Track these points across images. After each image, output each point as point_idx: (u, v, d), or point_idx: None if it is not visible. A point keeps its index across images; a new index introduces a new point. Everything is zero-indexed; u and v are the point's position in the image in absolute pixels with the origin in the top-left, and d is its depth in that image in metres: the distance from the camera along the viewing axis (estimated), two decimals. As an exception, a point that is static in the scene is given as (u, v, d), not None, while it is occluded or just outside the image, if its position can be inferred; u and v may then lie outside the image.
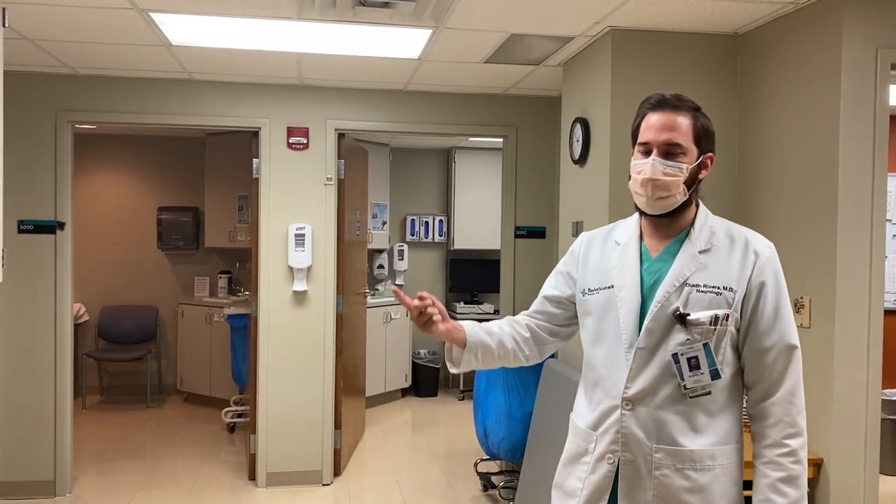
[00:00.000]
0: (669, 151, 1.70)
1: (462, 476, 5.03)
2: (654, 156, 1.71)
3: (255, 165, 4.75)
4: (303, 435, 4.82)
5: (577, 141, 3.81)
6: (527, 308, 2.04)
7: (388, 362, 6.95)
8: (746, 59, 3.46)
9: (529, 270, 5.00)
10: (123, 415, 6.56)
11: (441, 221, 7.74)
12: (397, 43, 3.77)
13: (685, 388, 1.69)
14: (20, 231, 4.48)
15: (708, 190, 3.23)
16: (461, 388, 7.37)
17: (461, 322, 1.90)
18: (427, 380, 7.33)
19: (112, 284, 7.24)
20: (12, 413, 4.50)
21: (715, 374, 1.69)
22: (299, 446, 4.82)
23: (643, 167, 1.72)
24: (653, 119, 1.73)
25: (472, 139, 6.80)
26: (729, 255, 1.74)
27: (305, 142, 4.75)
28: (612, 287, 1.79)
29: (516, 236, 5.07)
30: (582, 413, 1.86)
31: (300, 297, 4.77)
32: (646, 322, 1.72)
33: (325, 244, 4.80)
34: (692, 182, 1.73)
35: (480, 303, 7.52)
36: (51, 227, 4.52)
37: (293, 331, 4.79)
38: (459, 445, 5.76)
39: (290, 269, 4.74)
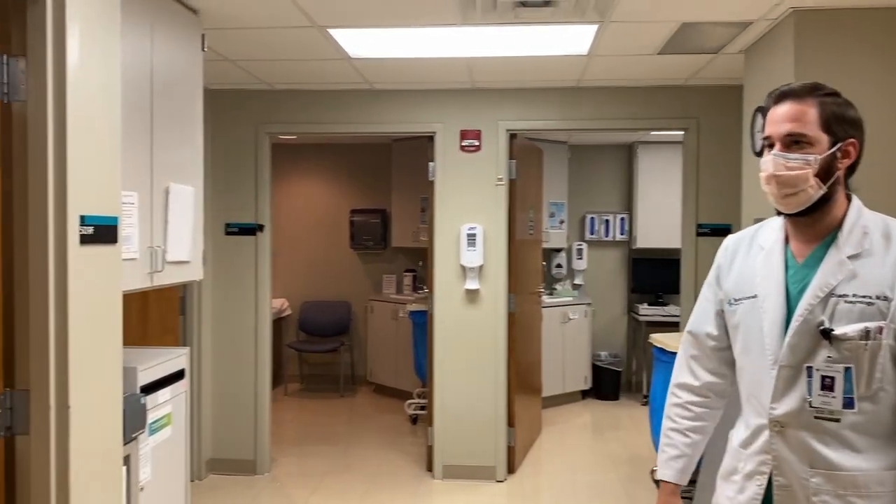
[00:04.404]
0: (793, 143, 1.57)
1: (640, 482, 4.88)
2: (775, 150, 1.59)
3: (430, 168, 4.93)
4: (477, 430, 4.92)
5: (759, 132, 3.54)
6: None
7: (566, 363, 6.88)
8: (961, 32, 3.03)
9: (712, 271, 4.72)
10: (319, 402, 7.08)
11: (622, 219, 7.53)
12: (564, 40, 3.74)
13: (810, 406, 1.54)
14: (227, 233, 4.99)
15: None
16: (644, 392, 7.12)
17: (666, 475, 1.84)
18: (608, 382, 7.17)
19: (311, 281, 7.84)
20: (221, 397, 5.02)
21: (849, 404, 1.52)
22: (474, 441, 4.92)
23: (765, 163, 1.61)
24: (775, 112, 1.61)
25: (654, 133, 6.55)
26: (884, 259, 1.55)
27: (478, 144, 4.85)
28: (756, 297, 1.66)
29: (698, 234, 4.82)
30: (736, 428, 1.77)
31: (472, 295, 4.88)
32: (787, 337, 1.58)
33: (497, 244, 4.86)
34: (827, 174, 1.57)
35: (665, 304, 7.22)
36: (252, 230, 4.99)
37: (466, 328, 4.90)
38: (641, 451, 5.58)
39: (463, 268, 4.87)
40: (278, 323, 7.37)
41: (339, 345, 7.42)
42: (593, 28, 3.51)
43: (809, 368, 1.55)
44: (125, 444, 2.47)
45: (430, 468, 5.03)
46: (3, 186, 2.04)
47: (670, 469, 1.83)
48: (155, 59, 2.82)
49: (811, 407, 1.55)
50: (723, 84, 4.69)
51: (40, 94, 2.01)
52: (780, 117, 1.60)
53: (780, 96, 1.62)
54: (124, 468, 2.53)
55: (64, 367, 2.05)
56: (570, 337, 6.91)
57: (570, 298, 7.04)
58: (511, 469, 5.02)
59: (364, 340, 7.66)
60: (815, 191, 1.57)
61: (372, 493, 4.66)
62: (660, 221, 7.21)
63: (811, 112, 1.58)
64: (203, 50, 3.27)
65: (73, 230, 2.09)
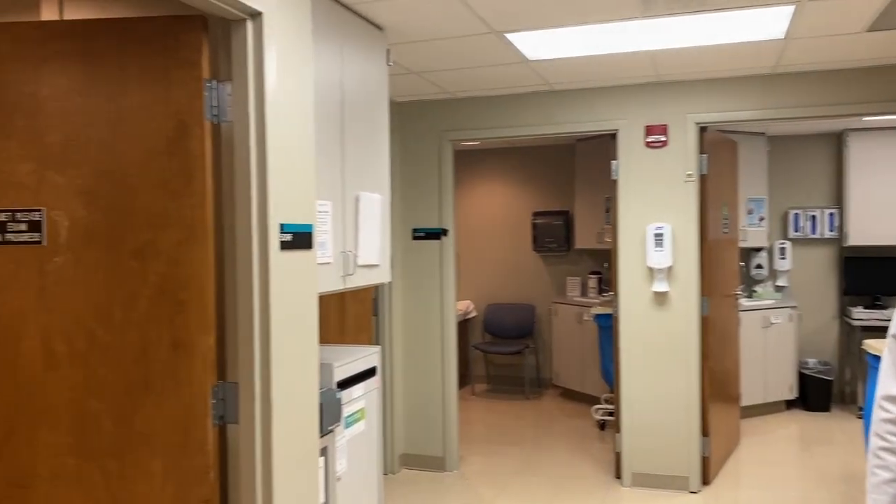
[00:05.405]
0: None
1: (856, 503, 4.42)
2: None
3: (613, 167, 4.81)
4: (667, 439, 4.72)
5: None
6: None
7: (768, 371, 6.41)
8: None
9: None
10: (505, 403, 7.15)
11: (831, 215, 6.88)
12: (756, 24, 3.49)
13: None
14: (414, 238, 5.20)
15: None
16: (859, 404, 6.46)
17: (881, 501, 1.60)
18: (817, 392, 6.58)
19: (495, 284, 7.96)
20: (411, 395, 5.23)
21: None
22: (664, 450, 4.73)
23: None
24: None
25: (866, 118, 5.93)
26: None
27: (664, 139, 4.66)
28: None
29: (922, 229, 4.30)
30: None
31: (660, 297, 4.69)
32: None
33: (686, 244, 4.63)
34: None
35: (884, 307, 6.50)
36: (437, 234, 5.16)
37: (654, 332, 4.72)
38: (856, 468, 5.07)
39: (650, 269, 4.69)
40: (465, 324, 7.55)
41: (524, 347, 7.45)
42: (789, 9, 3.24)
43: None
44: (322, 435, 2.64)
45: (618, 475, 4.91)
46: (216, 199, 2.28)
47: (886, 495, 1.63)
48: (345, 75, 3.00)
49: None
50: (950, 58, 4.15)
51: (243, 114, 2.22)
52: None
53: None
54: (322, 458, 2.71)
55: (267, 362, 2.24)
56: (772, 342, 6.43)
57: (773, 301, 6.55)
58: (706, 480, 4.76)
59: (548, 343, 7.63)
60: None
61: (559, 497, 4.63)
62: (876, 216, 6.52)
63: None
64: (388, 64, 3.44)
65: (274, 237, 2.28)
